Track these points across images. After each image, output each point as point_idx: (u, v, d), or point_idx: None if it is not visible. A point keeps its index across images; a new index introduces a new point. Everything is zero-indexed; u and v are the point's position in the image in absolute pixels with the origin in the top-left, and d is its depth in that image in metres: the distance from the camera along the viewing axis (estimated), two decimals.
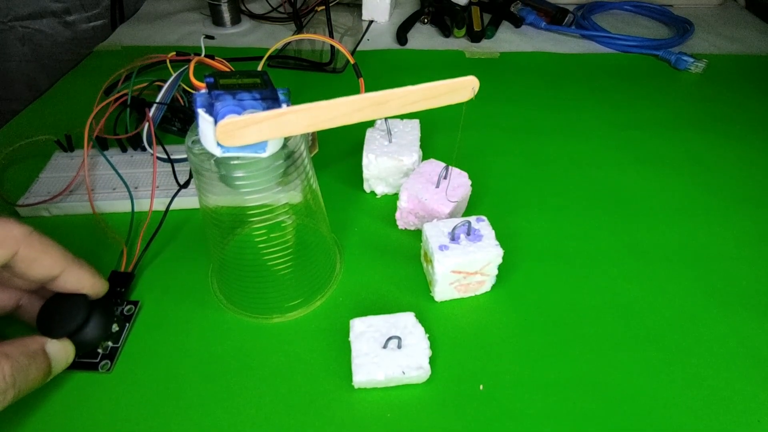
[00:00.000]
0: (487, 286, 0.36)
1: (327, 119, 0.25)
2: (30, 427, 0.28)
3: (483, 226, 0.34)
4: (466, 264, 0.33)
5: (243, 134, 0.24)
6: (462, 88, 0.26)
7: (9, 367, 0.25)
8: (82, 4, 0.79)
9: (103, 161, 0.42)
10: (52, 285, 0.28)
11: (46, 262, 0.27)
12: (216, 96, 0.25)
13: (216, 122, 0.24)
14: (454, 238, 0.33)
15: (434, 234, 0.34)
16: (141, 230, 0.38)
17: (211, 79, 0.26)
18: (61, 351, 0.28)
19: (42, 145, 0.45)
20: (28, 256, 0.26)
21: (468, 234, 0.34)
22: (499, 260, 0.34)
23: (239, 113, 0.24)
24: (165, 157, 0.42)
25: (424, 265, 0.36)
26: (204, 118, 0.25)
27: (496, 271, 0.35)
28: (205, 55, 0.50)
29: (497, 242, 0.33)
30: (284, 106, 0.26)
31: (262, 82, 0.26)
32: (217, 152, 0.26)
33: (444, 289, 0.34)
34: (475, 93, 0.27)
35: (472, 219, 0.35)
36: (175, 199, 0.39)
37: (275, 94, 0.26)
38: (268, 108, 0.25)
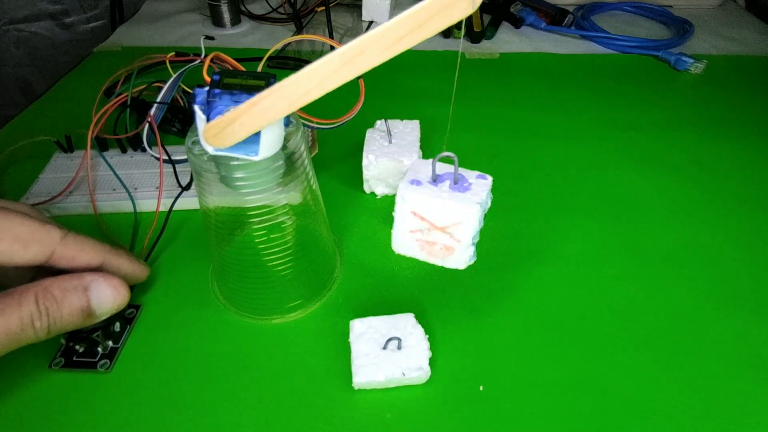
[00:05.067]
0: (459, 259, 0.30)
1: (304, 93, 0.22)
2: (28, 425, 0.28)
3: (480, 183, 0.29)
4: (431, 210, 0.28)
5: (227, 134, 0.24)
6: (455, 0, 0.20)
7: (42, 297, 0.25)
8: (81, 5, 0.79)
9: (105, 161, 0.42)
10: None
11: (84, 259, 0.28)
12: (213, 95, 0.25)
13: (208, 121, 0.24)
14: (435, 180, 0.28)
15: (416, 169, 0.28)
16: (147, 233, 0.38)
17: (218, 77, 0.26)
18: (107, 294, 0.28)
19: (42, 145, 0.45)
20: (65, 255, 0.28)
21: (455, 183, 0.28)
22: (475, 223, 0.28)
23: None
24: (166, 158, 0.42)
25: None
26: (199, 116, 0.25)
27: (470, 241, 0.29)
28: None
29: (481, 202, 0.28)
30: None
31: (267, 85, 0.26)
32: (210, 150, 0.26)
33: (403, 237, 0.29)
34: (476, 6, 0.20)
35: (472, 173, 0.29)
36: (175, 200, 0.39)
37: None
38: None
